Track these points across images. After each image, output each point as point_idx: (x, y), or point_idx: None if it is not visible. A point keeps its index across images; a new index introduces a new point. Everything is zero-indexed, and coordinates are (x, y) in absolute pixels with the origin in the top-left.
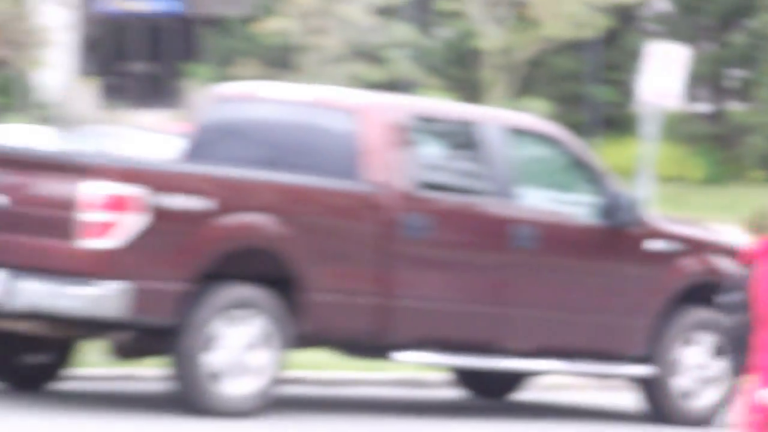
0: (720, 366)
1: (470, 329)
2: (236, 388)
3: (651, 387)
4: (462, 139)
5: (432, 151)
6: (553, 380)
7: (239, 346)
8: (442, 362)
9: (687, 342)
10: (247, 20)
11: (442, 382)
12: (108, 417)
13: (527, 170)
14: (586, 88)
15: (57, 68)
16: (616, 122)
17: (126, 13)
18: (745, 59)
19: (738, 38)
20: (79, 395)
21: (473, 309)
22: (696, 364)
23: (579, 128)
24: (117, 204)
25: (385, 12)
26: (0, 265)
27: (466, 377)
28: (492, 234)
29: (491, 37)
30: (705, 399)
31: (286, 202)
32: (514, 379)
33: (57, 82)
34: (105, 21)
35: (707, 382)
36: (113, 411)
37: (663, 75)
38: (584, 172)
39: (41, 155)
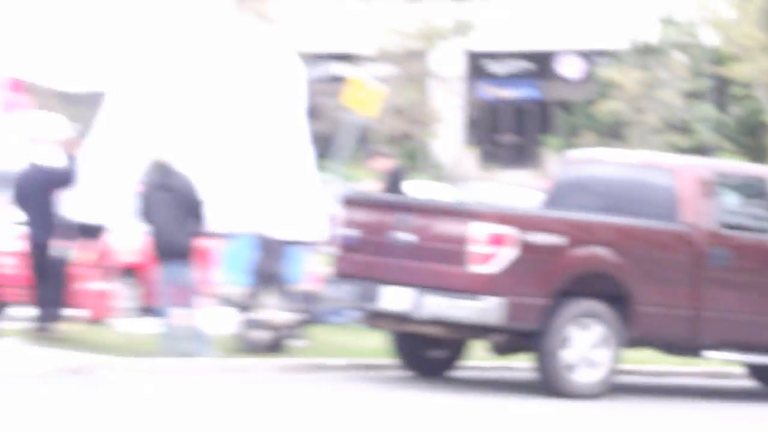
0: None
1: (761, 334)
2: (584, 377)
3: None
4: (753, 190)
5: (730, 199)
6: None
7: (586, 345)
8: (739, 359)
9: None
10: (588, 103)
11: (741, 374)
12: (489, 396)
13: None
14: None
15: (448, 140)
16: None
17: (498, 99)
18: None
19: None
20: (469, 381)
21: (764, 319)
22: None
23: None
24: (496, 240)
25: (692, 95)
26: (411, 285)
27: (758, 371)
28: None
29: None
30: None
31: (621, 238)
32: None
33: (448, 150)
34: (483, 105)
35: None
36: (493, 392)
37: None
38: None
39: (441, 204)
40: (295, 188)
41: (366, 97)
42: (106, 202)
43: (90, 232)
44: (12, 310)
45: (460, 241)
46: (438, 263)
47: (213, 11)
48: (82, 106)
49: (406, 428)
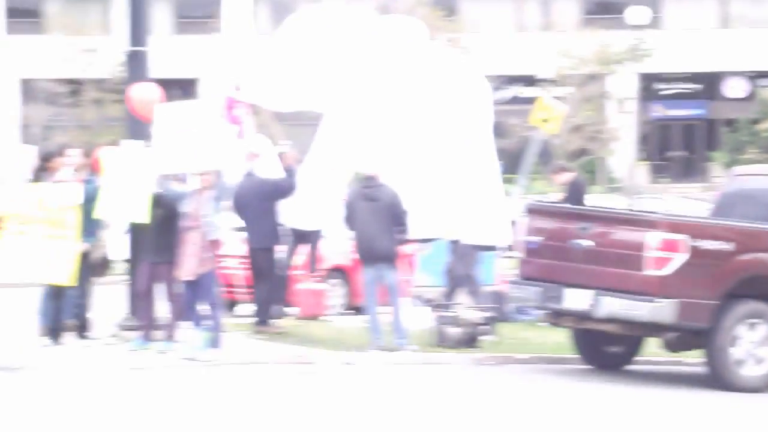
0: None
1: None
2: (751, 371)
3: None
4: None
5: None
6: None
7: (752, 343)
8: None
9: None
10: (751, 121)
11: None
12: (663, 388)
13: None
14: None
15: (622, 155)
16: None
17: (668, 117)
18: None
19: None
20: (644, 374)
21: None
22: None
23: None
24: (669, 246)
25: None
26: (590, 287)
27: None
28: None
29: None
30: None
31: None
32: None
33: (622, 165)
34: (653, 123)
35: None
36: (666, 385)
37: None
38: None
39: (618, 214)
40: (485, 199)
41: (548, 116)
42: (319, 210)
43: (304, 237)
44: (239, 308)
45: (636, 247)
46: (615, 267)
47: (411, 39)
48: (298, 124)
49: (588, 414)
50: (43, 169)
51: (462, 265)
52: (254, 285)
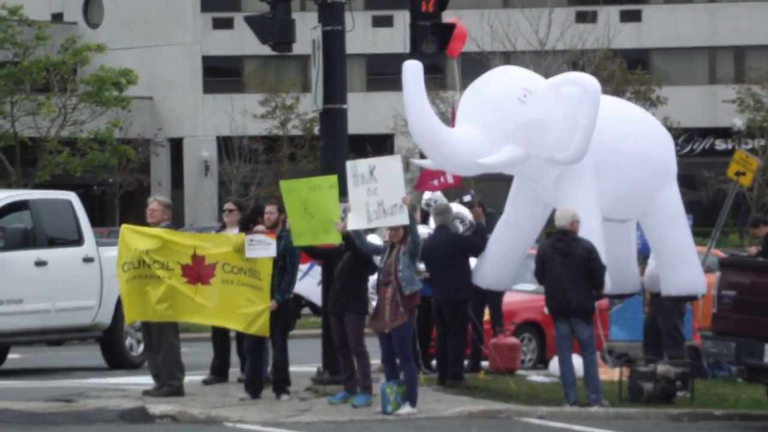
0: None
1: None
2: None
3: None
4: None
5: None
6: None
7: None
8: None
9: None
10: None
11: None
12: None
13: None
14: None
15: None
16: None
17: None
18: None
19: None
20: None
21: None
22: None
23: None
24: None
25: None
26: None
27: None
28: None
29: None
30: None
31: None
32: None
33: None
34: None
35: None
36: None
37: None
38: None
39: None
40: (679, 251)
41: (743, 168)
42: (508, 267)
43: (485, 293)
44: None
45: None
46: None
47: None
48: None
49: None
50: (252, 223)
51: (665, 319)
52: (441, 338)
